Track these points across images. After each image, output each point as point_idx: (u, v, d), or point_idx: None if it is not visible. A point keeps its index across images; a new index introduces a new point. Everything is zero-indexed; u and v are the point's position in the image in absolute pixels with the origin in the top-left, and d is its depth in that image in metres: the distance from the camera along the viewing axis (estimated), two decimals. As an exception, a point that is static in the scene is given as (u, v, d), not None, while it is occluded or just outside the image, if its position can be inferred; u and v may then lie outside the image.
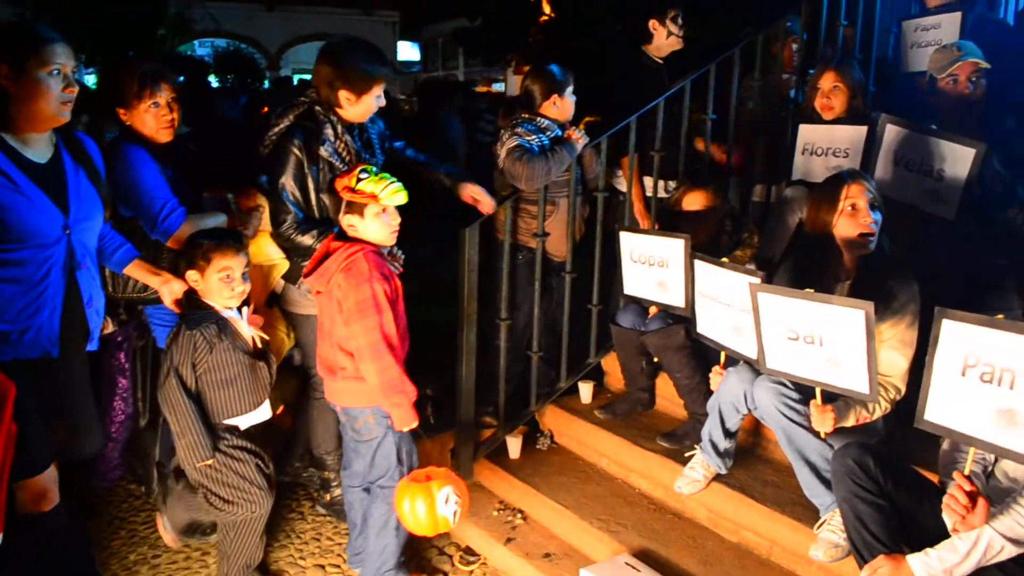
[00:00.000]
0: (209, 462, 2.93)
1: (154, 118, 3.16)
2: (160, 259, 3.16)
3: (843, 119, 3.70)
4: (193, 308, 2.97)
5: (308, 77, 4.07)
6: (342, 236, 2.94)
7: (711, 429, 3.19)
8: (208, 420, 2.93)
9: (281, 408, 3.27)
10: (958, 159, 3.22)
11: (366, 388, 2.89)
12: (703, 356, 3.43)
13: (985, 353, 2.10)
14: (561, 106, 3.82)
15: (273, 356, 3.13)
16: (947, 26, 4.16)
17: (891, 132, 3.46)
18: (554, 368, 4.03)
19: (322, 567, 3.45)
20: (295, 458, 3.86)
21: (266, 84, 18.84)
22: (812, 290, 2.59)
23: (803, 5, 4.55)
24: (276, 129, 3.23)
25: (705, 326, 3.12)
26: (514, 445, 3.84)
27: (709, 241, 3.54)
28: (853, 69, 3.86)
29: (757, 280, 2.75)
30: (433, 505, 2.82)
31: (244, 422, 3.00)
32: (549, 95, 3.79)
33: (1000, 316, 2.17)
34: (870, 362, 2.49)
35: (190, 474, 3.02)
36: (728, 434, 3.17)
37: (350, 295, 2.81)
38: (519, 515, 3.57)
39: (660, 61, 4.40)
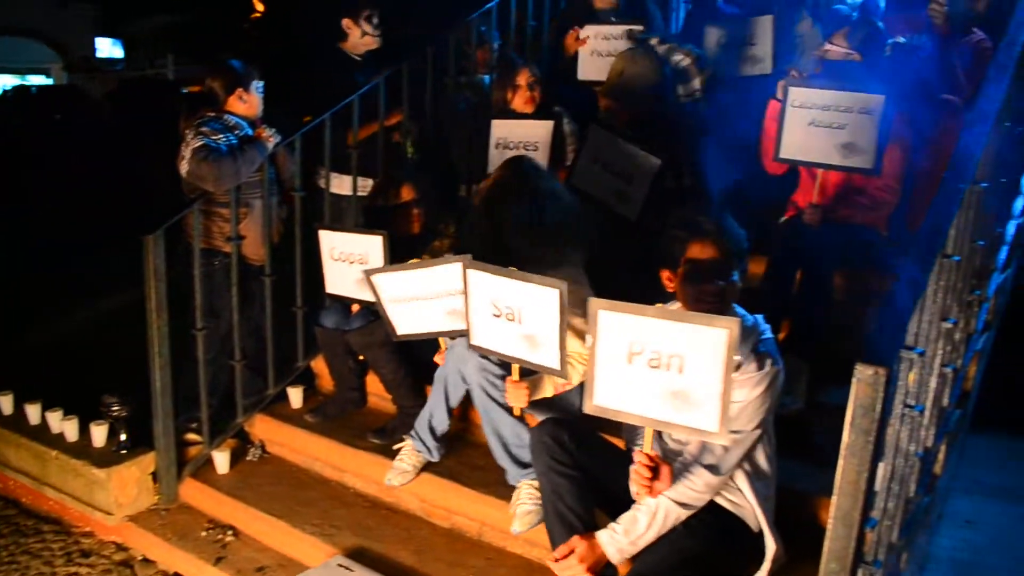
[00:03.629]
0: None
1: None
2: None
3: (531, 114, 3.88)
4: None
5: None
6: None
7: (433, 408, 3.20)
8: None
9: None
10: (645, 164, 3.47)
11: None
12: (407, 349, 3.46)
13: (649, 341, 2.15)
14: (248, 101, 3.70)
15: None
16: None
17: (594, 134, 3.66)
18: (262, 375, 3.88)
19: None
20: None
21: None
22: (515, 268, 2.67)
23: (493, 7, 4.74)
24: None
25: (409, 326, 3.13)
26: (222, 460, 3.65)
27: (410, 234, 3.59)
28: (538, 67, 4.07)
29: (458, 265, 2.79)
30: None
31: None
32: (233, 89, 3.66)
33: (658, 305, 2.36)
34: (561, 340, 2.58)
35: None
36: (450, 413, 3.20)
37: None
38: (230, 532, 3.40)
39: (358, 58, 4.39)
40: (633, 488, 2.41)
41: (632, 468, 2.37)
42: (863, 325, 3.12)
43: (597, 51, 4.49)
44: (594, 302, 2.21)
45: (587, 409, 2.31)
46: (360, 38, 4.33)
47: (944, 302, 2.44)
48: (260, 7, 15.77)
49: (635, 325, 2.17)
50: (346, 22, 4.33)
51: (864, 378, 1.81)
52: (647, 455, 2.33)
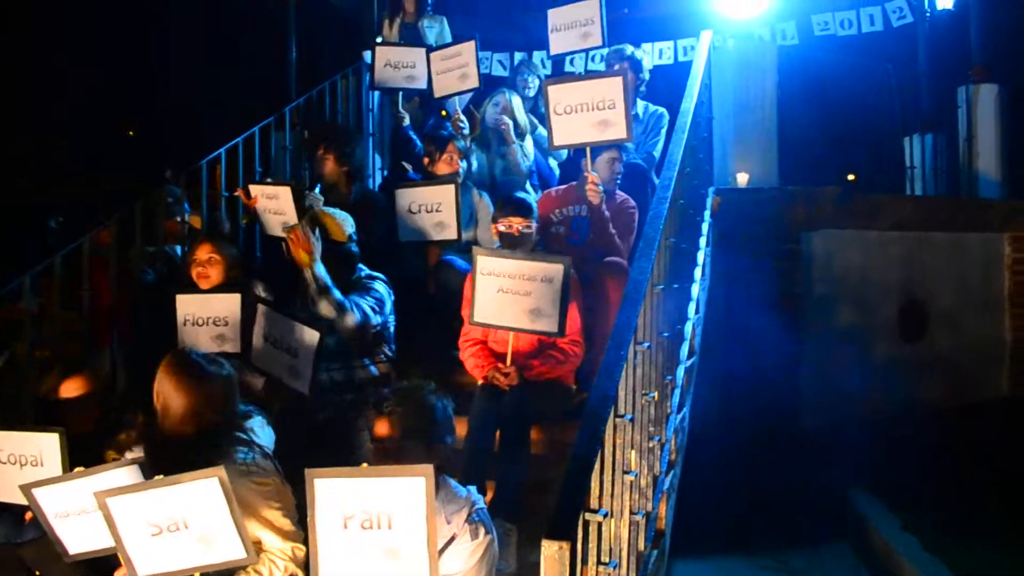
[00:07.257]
0: None
1: None
2: None
3: (220, 288, 3.79)
4: None
5: None
6: None
7: None
8: None
9: None
10: (306, 339, 3.44)
11: None
12: (92, 559, 3.08)
13: (359, 502, 2.20)
14: None
15: None
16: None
17: (260, 312, 3.62)
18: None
19: None
20: None
21: None
22: (162, 475, 2.47)
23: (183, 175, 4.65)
24: None
25: (82, 543, 2.78)
26: None
27: (91, 429, 3.28)
28: (230, 243, 4.00)
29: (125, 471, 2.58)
30: None
31: None
32: None
33: (363, 465, 2.34)
34: (239, 525, 2.42)
35: None
36: None
37: None
38: None
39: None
40: None
41: None
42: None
43: (267, 208, 4.44)
44: (310, 472, 2.20)
45: None
46: None
47: (624, 456, 2.63)
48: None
49: (346, 488, 2.20)
50: None
51: (550, 554, 1.88)
52: None
